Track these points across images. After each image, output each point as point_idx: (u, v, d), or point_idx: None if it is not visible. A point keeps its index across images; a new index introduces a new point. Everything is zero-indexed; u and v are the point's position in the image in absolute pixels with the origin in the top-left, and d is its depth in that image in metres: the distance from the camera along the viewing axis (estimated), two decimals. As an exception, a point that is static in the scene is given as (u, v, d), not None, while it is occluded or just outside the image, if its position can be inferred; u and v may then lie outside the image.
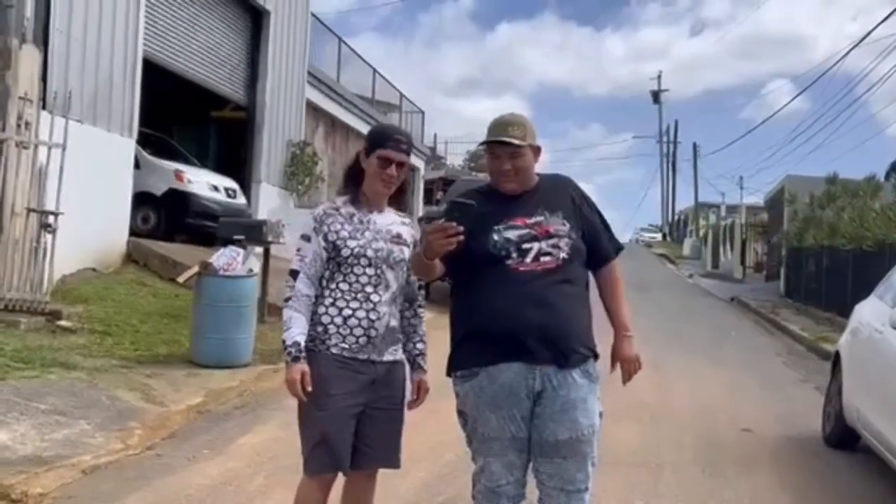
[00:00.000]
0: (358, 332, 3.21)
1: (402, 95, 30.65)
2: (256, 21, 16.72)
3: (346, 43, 23.92)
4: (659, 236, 58.75)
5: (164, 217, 13.54)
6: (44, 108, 9.53)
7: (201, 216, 13.49)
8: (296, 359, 3.15)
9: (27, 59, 9.42)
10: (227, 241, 8.94)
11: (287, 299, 3.23)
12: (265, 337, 8.82)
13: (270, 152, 17.21)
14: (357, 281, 3.23)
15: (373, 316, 3.23)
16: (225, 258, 8.25)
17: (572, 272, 3.12)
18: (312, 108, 20.18)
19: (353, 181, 3.36)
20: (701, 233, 46.61)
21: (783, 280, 23.31)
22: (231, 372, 7.81)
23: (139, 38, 12.17)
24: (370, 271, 3.24)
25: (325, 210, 3.33)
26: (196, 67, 14.77)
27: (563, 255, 3.10)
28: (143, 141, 13.19)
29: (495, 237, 3.08)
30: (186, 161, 14.96)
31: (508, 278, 3.05)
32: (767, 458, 6.39)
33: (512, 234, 3.09)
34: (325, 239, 3.25)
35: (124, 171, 12.05)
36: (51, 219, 9.02)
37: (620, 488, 5.29)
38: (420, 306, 3.49)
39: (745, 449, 6.64)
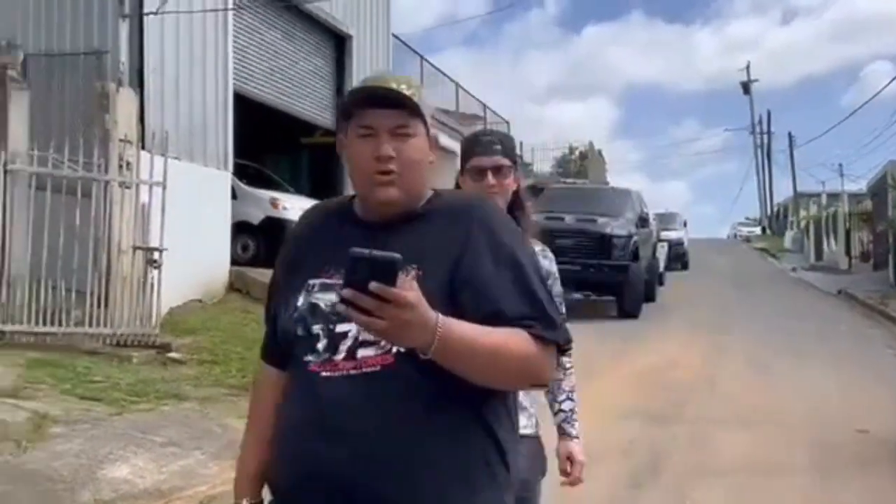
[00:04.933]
0: None
1: (485, 107, 30.71)
2: (339, 46, 17.01)
3: (427, 60, 24.15)
4: (758, 230, 57.23)
5: (262, 245, 13.84)
6: (143, 147, 9.89)
7: (298, 241, 13.75)
8: None
9: (125, 102, 9.80)
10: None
11: None
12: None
13: (360, 174, 17.48)
14: None
15: None
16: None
17: (426, 376, 1.67)
18: (399, 127, 20.39)
19: None
20: (802, 224, 45.30)
21: (892, 269, 22.45)
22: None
23: (229, 74, 12.53)
24: None
25: None
26: (284, 97, 15.13)
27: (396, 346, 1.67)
28: (239, 172, 13.55)
29: (300, 300, 1.81)
30: (281, 188, 15.31)
31: (309, 387, 1.76)
32: (887, 460, 6.17)
33: (322, 299, 1.77)
34: None
35: (223, 202, 12.41)
36: (156, 254, 9.34)
37: (732, 498, 5.19)
38: (564, 354, 2.51)
39: (862, 451, 6.43)
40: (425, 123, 1.84)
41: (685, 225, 29.69)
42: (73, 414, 6.43)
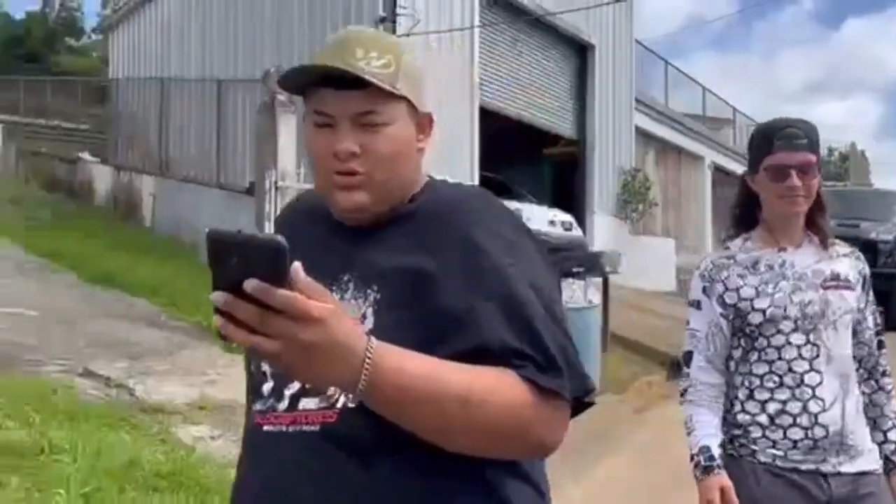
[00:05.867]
0: (795, 433, 2.21)
1: (734, 109, 29.64)
2: (582, 56, 17.08)
3: (672, 65, 23.69)
4: None
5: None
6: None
7: (541, 251, 13.93)
8: (707, 469, 2.24)
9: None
10: (565, 275, 9.20)
11: (683, 392, 2.36)
12: (609, 367, 8.95)
13: (602, 182, 17.43)
14: (780, 357, 2.23)
15: (814, 408, 2.20)
16: (567, 291, 8.50)
17: (385, 446, 1.21)
18: (642, 134, 20.14)
19: (745, 217, 2.40)
20: None
21: None
22: (579, 402, 7.96)
23: (475, 88, 12.95)
24: (798, 339, 2.22)
25: (714, 262, 2.36)
26: (528, 109, 15.41)
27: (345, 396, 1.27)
28: (484, 184, 13.90)
29: None
30: (524, 200, 15.54)
31: (250, 444, 1.37)
32: None
33: None
34: (723, 303, 2.30)
35: (469, 213, 12.80)
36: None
37: None
38: (885, 374, 2.38)
39: None
40: (409, 101, 1.33)
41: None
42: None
